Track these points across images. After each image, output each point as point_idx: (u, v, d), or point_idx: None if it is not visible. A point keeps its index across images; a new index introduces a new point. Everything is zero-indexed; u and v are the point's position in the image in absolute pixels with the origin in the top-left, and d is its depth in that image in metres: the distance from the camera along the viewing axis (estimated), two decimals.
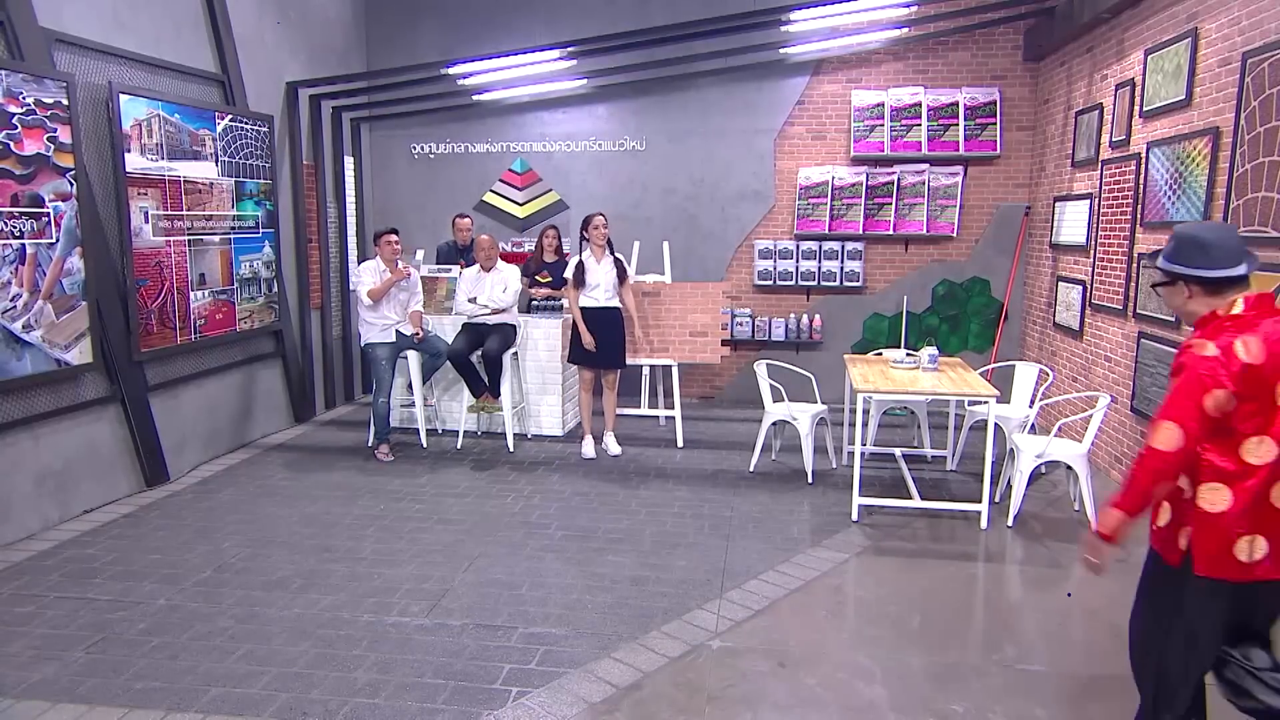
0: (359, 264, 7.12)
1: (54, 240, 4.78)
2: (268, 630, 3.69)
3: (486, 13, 8.27)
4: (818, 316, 8.10)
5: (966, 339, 8.05)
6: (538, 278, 7.13)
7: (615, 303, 6.24)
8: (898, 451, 6.20)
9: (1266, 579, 2.32)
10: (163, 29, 5.81)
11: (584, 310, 6.16)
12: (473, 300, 6.44)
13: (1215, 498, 2.33)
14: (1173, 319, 4.90)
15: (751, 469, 6.02)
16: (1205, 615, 2.38)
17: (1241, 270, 2.35)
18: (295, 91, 7.31)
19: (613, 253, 6.24)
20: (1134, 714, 2.62)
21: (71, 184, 4.88)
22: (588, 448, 6.37)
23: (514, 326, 6.61)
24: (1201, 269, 2.37)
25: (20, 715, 3.08)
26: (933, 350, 5.46)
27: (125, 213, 5.32)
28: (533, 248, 7.60)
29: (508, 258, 7.85)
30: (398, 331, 6.34)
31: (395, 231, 6.31)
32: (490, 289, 6.45)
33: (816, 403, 6.07)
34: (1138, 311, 5.41)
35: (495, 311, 6.42)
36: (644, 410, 7.34)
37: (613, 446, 6.46)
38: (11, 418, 4.63)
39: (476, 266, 6.57)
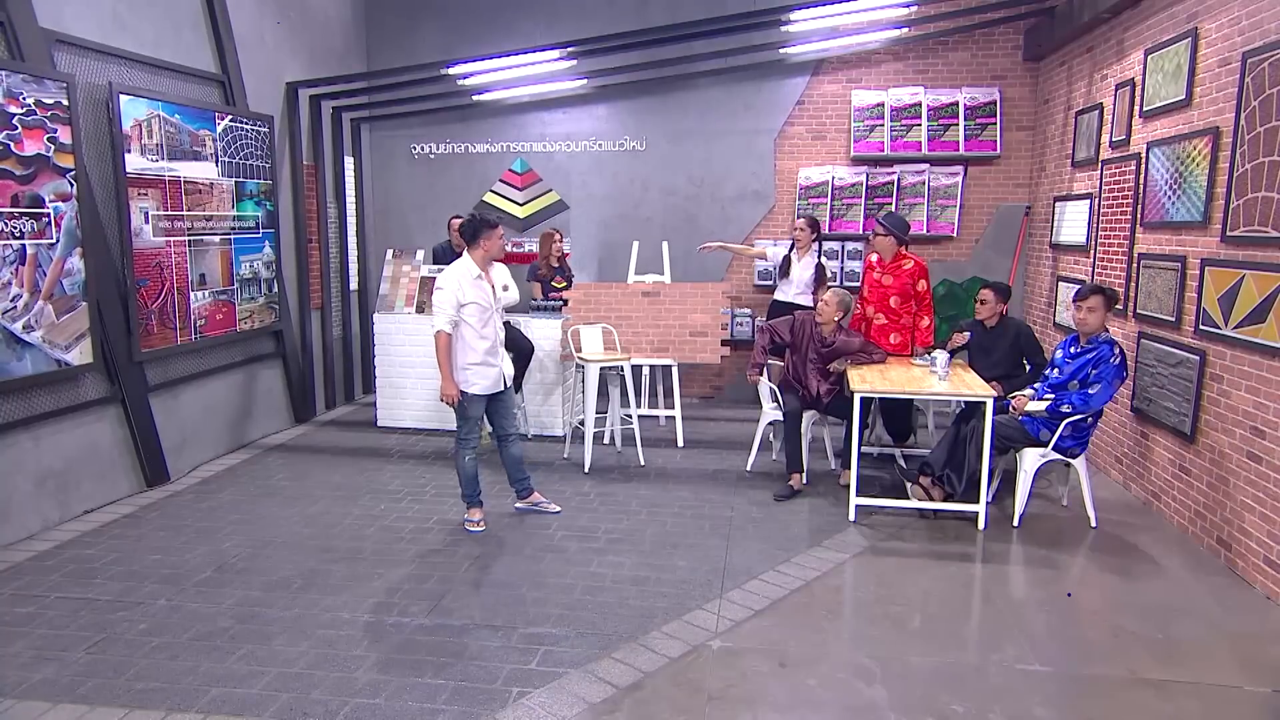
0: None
1: (54, 241, 4.78)
2: (268, 630, 3.69)
3: (487, 13, 8.27)
4: None
5: None
6: (553, 283, 7.06)
7: (808, 300, 6.39)
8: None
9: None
10: (162, 29, 5.82)
11: (780, 304, 6.40)
12: None
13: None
14: (1172, 318, 4.94)
15: (749, 469, 6.02)
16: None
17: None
18: (295, 92, 7.31)
19: (819, 255, 6.41)
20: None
21: (72, 184, 4.88)
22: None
23: (531, 348, 6.61)
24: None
25: (20, 715, 3.08)
26: (945, 354, 5.23)
27: (125, 213, 5.32)
28: (536, 250, 7.48)
29: (508, 258, 7.84)
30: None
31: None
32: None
33: None
34: (1138, 311, 5.40)
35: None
36: (644, 410, 7.33)
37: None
38: (12, 418, 4.64)
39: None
